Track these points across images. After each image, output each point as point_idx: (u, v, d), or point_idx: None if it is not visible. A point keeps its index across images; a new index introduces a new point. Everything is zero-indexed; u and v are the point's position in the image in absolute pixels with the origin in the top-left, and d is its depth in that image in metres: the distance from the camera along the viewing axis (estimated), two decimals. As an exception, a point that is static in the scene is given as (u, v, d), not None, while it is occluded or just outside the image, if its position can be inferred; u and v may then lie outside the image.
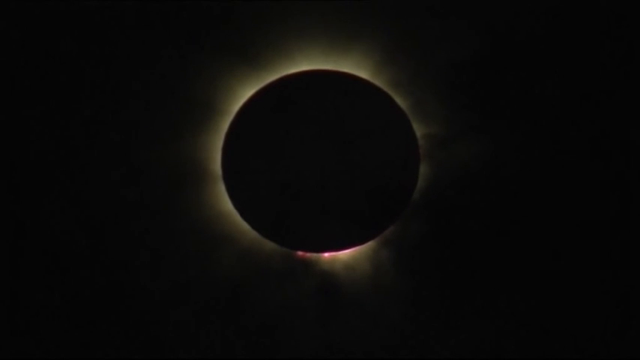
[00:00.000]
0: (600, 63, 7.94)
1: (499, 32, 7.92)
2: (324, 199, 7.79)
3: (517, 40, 7.92)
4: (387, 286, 7.93)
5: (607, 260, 7.89)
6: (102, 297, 7.89)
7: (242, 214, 7.87)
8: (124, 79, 7.92)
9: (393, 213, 7.84)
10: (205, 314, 7.92)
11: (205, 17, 7.90)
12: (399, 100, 7.88)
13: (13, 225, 7.89)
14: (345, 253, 7.95)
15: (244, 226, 7.89)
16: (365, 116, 7.81)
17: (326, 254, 7.96)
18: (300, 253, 7.97)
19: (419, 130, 7.87)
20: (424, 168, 7.89)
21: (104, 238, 7.88)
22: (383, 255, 7.94)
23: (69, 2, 7.90)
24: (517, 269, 7.91)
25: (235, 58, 7.88)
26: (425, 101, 7.87)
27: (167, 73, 7.91)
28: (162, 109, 7.91)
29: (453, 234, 7.91)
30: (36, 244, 7.89)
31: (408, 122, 7.85)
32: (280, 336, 7.93)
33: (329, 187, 7.79)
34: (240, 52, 7.89)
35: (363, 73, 7.89)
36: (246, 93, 7.90)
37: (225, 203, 7.91)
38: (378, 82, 7.87)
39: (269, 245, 7.92)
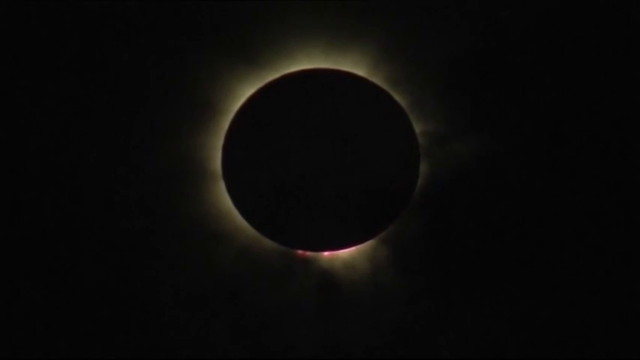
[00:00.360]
0: (599, 60, 7.96)
1: (497, 29, 7.94)
2: (325, 199, 7.80)
3: (515, 38, 7.94)
4: (386, 284, 7.93)
5: (607, 258, 7.89)
6: (101, 296, 7.89)
7: (242, 213, 7.88)
8: (124, 79, 7.94)
9: (393, 212, 7.85)
10: (205, 313, 7.92)
11: (205, 17, 7.92)
12: (397, 98, 7.90)
13: (12, 224, 7.89)
14: (344, 252, 7.95)
15: (244, 224, 7.90)
16: (365, 115, 7.83)
17: (325, 253, 7.97)
18: (299, 252, 7.98)
19: (417, 127, 7.89)
20: (422, 166, 7.90)
21: (104, 236, 7.89)
22: (382, 253, 7.94)
23: (69, 2, 7.93)
24: (517, 268, 7.91)
25: (235, 57, 7.90)
26: (423, 99, 7.89)
27: (167, 73, 7.93)
28: (162, 108, 7.93)
29: (451, 232, 7.91)
30: (36, 243, 7.89)
31: (407, 121, 7.87)
32: (279, 334, 7.93)
33: (329, 186, 7.80)
34: (240, 51, 7.91)
35: (360, 71, 7.92)
36: (246, 92, 7.93)
37: (226, 202, 7.92)
38: (375, 80, 7.90)
39: (269, 244, 7.92)
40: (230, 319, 7.93)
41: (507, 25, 7.94)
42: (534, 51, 7.95)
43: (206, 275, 7.91)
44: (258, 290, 7.92)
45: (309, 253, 7.97)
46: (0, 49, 7.95)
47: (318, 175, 7.80)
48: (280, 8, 7.89)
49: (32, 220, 7.90)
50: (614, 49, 7.96)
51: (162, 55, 7.93)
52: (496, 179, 7.90)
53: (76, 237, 7.89)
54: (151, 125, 7.91)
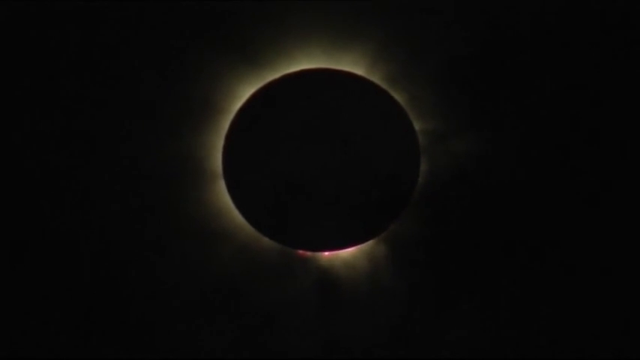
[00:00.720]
0: (599, 59, 7.97)
1: (496, 27, 7.94)
2: (326, 198, 7.81)
3: (514, 35, 7.94)
4: (386, 283, 7.94)
5: (607, 258, 7.92)
6: (101, 295, 7.89)
7: (243, 213, 7.89)
8: (125, 79, 7.93)
9: (394, 212, 7.86)
10: (204, 312, 7.93)
11: (205, 16, 7.91)
12: (395, 97, 7.90)
13: (12, 224, 7.88)
14: (344, 251, 7.96)
15: (245, 224, 7.90)
16: (366, 115, 7.84)
17: (326, 253, 7.98)
18: (300, 252, 7.98)
19: (415, 126, 7.90)
20: (422, 165, 7.91)
21: (104, 235, 7.88)
22: (381, 252, 7.95)
23: (69, 1, 7.91)
24: (517, 267, 7.92)
25: (235, 57, 7.90)
26: (421, 97, 7.89)
27: (168, 73, 7.92)
28: (162, 108, 7.92)
29: (450, 231, 7.92)
30: (35, 242, 7.89)
31: (408, 120, 7.88)
32: (278, 333, 7.94)
33: (330, 186, 7.81)
34: (240, 51, 7.91)
35: (359, 70, 7.92)
36: (246, 92, 7.92)
37: (226, 202, 7.92)
38: (373, 78, 7.90)
39: (269, 243, 7.93)
40: (229, 318, 7.94)
41: (506, 23, 7.94)
42: (534, 49, 7.95)
43: (206, 274, 7.92)
44: (258, 290, 7.93)
45: (309, 253, 7.98)
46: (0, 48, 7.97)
47: (319, 175, 7.80)
48: (281, 8, 7.89)
49: (32, 219, 7.89)
50: (616, 51, 7.97)
51: (163, 54, 7.92)
52: (496, 178, 7.91)
53: (75, 236, 7.89)
54: (151, 125, 7.91)
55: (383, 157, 7.83)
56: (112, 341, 7.91)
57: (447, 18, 7.90)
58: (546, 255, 7.92)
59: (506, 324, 7.92)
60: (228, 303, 7.93)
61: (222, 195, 7.92)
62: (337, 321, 7.95)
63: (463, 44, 7.89)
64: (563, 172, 7.92)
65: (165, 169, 7.90)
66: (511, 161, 7.90)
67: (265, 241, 7.91)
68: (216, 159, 7.92)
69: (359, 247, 7.94)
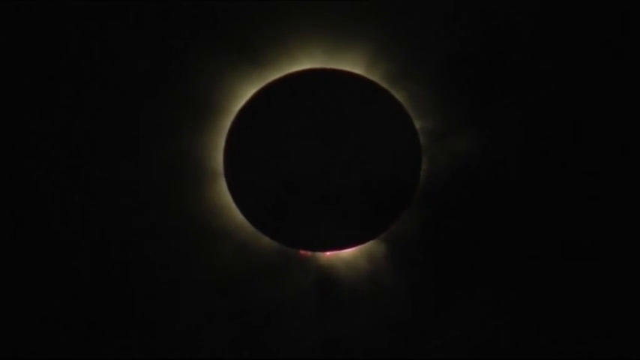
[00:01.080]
0: (599, 58, 7.99)
1: (495, 26, 7.97)
2: (326, 198, 7.82)
3: (513, 33, 7.97)
4: (386, 283, 7.94)
5: (606, 256, 7.92)
6: (101, 293, 7.89)
7: (244, 213, 7.89)
8: (126, 78, 7.96)
9: (394, 211, 7.87)
10: (203, 311, 7.93)
11: (206, 16, 7.94)
12: (395, 96, 7.93)
13: (12, 223, 7.89)
14: (344, 251, 7.97)
15: (246, 224, 7.91)
16: (367, 115, 7.86)
17: (327, 253, 7.98)
18: (301, 252, 7.99)
19: (415, 124, 7.92)
20: (422, 163, 7.93)
21: (105, 233, 7.89)
22: (381, 252, 7.95)
23: (69, 1, 7.94)
24: (517, 266, 7.93)
25: (236, 57, 7.93)
26: (420, 96, 7.91)
27: (169, 73, 7.95)
28: (164, 107, 7.94)
29: (450, 230, 7.93)
30: (35, 241, 7.89)
31: (410, 120, 7.90)
32: (277, 332, 7.93)
33: (332, 186, 7.82)
34: (242, 51, 7.94)
35: (358, 69, 7.95)
36: (248, 92, 7.95)
37: (227, 201, 7.93)
38: (373, 77, 7.93)
39: (269, 243, 7.93)
40: (228, 317, 7.94)
41: (505, 21, 7.97)
42: (532, 48, 7.98)
43: (207, 273, 7.93)
44: (258, 289, 7.94)
45: (309, 253, 7.99)
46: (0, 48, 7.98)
47: (319, 175, 7.81)
48: (281, 8, 7.93)
49: (31, 219, 7.90)
50: (616, 50, 8.00)
51: (165, 55, 7.95)
52: (495, 176, 7.92)
53: (75, 235, 7.89)
54: (153, 124, 7.93)
55: (384, 156, 7.85)
56: (112, 341, 7.90)
57: (446, 18, 7.93)
58: (547, 254, 7.92)
59: (507, 323, 7.92)
60: (228, 302, 7.93)
61: (223, 194, 7.93)
62: (337, 320, 7.95)
63: (462, 44, 7.92)
64: (563, 170, 7.93)
65: (166, 168, 7.92)
66: (511, 159, 7.91)
67: (265, 240, 7.92)
68: (218, 158, 7.94)
69: (359, 247, 7.95)
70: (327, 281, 7.97)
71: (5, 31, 7.93)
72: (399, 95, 7.91)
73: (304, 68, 7.93)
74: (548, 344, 7.91)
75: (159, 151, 7.91)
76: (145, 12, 7.94)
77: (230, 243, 7.93)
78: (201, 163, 7.95)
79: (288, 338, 7.94)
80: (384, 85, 7.92)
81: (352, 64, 7.95)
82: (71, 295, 7.88)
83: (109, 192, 7.92)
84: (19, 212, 7.90)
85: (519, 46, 7.96)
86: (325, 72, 7.92)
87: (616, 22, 7.98)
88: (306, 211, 7.82)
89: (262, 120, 7.87)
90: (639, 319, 7.90)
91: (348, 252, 7.97)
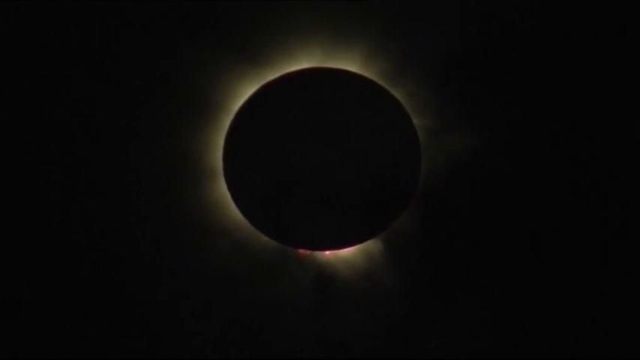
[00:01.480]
0: (597, 56, 7.99)
1: (492, 23, 7.98)
2: (325, 196, 7.82)
3: (510, 31, 7.98)
4: (384, 282, 7.92)
5: (604, 255, 7.89)
6: (101, 292, 7.89)
7: (243, 211, 7.90)
8: (125, 78, 7.99)
9: (394, 210, 7.86)
10: (203, 310, 7.92)
11: (206, 15, 7.98)
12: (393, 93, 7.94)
13: (12, 224, 7.91)
14: (343, 250, 7.96)
15: (244, 222, 7.92)
16: (366, 114, 7.87)
17: (326, 252, 7.98)
18: (300, 250, 7.99)
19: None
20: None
21: (104, 233, 7.91)
22: (379, 251, 7.94)
23: (69, 2, 7.99)
24: (516, 265, 7.90)
25: (236, 56, 7.96)
26: (417, 94, 7.92)
27: (168, 72, 7.97)
28: (163, 107, 7.97)
29: (448, 229, 7.91)
30: (35, 241, 7.91)
31: (408, 119, 7.90)
32: (276, 331, 7.92)
33: (331, 185, 7.82)
34: (241, 50, 7.97)
35: (353, 67, 7.97)
36: (247, 90, 7.98)
37: (226, 200, 7.94)
38: (370, 75, 7.95)
39: (268, 241, 7.94)
40: (227, 316, 7.93)
41: (502, 19, 7.98)
42: (529, 44, 7.98)
43: (206, 273, 7.93)
44: (255, 286, 7.93)
45: (308, 252, 7.98)
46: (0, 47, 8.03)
47: (318, 173, 7.82)
48: (280, 8, 7.96)
49: (31, 219, 7.92)
50: (614, 48, 7.99)
51: (164, 54, 7.98)
52: (493, 173, 7.91)
53: (74, 234, 7.91)
54: (153, 123, 7.95)
55: (383, 155, 7.85)
56: (112, 341, 7.90)
57: (443, 16, 7.95)
58: (546, 252, 7.89)
59: (506, 322, 7.88)
60: (227, 300, 7.92)
61: (223, 192, 7.95)
62: (335, 319, 7.93)
63: (460, 41, 7.94)
64: (560, 167, 7.91)
65: (165, 167, 7.94)
66: (507, 156, 7.90)
67: (264, 238, 7.92)
68: (217, 157, 7.96)
69: (358, 245, 7.94)
70: (325, 280, 7.96)
71: (5, 31, 7.98)
72: (396, 93, 7.93)
73: (303, 67, 7.96)
74: (547, 344, 7.87)
75: (158, 149, 7.93)
76: (145, 11, 7.98)
77: (229, 241, 7.94)
78: (201, 161, 7.97)
79: (286, 337, 7.92)
80: (382, 83, 7.94)
81: (350, 63, 7.98)
82: (71, 295, 7.88)
83: (109, 191, 7.94)
84: (18, 212, 7.92)
85: (516, 44, 7.97)
86: (324, 71, 7.94)
87: (615, 21, 7.98)
88: (304, 209, 7.82)
89: (261, 119, 7.90)
90: (639, 319, 7.86)
91: (346, 251, 7.97)
